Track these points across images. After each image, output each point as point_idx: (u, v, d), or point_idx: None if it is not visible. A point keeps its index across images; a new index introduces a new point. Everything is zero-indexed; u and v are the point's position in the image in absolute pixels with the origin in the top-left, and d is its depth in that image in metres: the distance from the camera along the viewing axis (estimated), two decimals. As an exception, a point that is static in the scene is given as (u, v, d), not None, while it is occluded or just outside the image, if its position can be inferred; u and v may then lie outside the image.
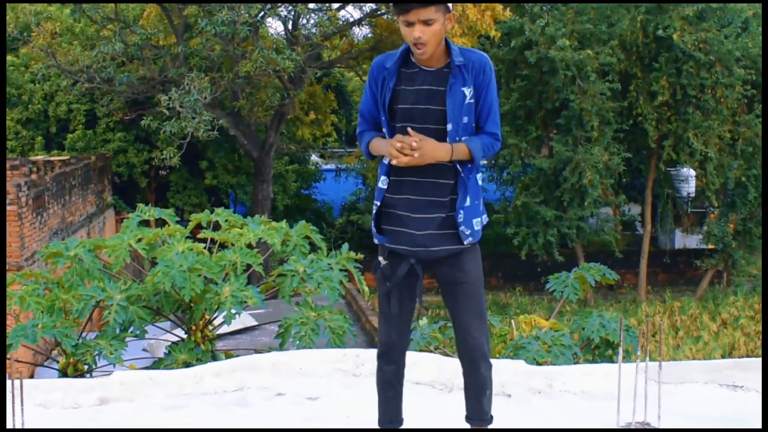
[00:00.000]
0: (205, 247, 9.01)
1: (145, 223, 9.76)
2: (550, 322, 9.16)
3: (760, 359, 5.93)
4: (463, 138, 3.90)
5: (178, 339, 8.91)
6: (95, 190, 27.49)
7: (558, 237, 28.40)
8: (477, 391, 4.13)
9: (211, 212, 9.78)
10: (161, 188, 34.18)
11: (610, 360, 8.19)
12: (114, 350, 7.64)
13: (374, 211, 4.07)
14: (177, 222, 9.62)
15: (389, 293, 4.06)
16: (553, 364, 7.17)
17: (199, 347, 8.35)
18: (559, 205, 28.33)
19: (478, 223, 4.00)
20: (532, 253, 28.83)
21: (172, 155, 25.17)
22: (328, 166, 40.09)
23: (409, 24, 3.68)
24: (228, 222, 9.56)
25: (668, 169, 30.88)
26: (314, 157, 39.55)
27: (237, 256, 8.62)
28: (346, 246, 9.04)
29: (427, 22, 3.67)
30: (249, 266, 8.74)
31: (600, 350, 8.62)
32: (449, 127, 3.84)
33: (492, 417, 4.22)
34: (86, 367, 8.02)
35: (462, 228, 3.93)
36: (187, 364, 7.67)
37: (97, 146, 31.46)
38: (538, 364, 7.44)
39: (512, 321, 9.69)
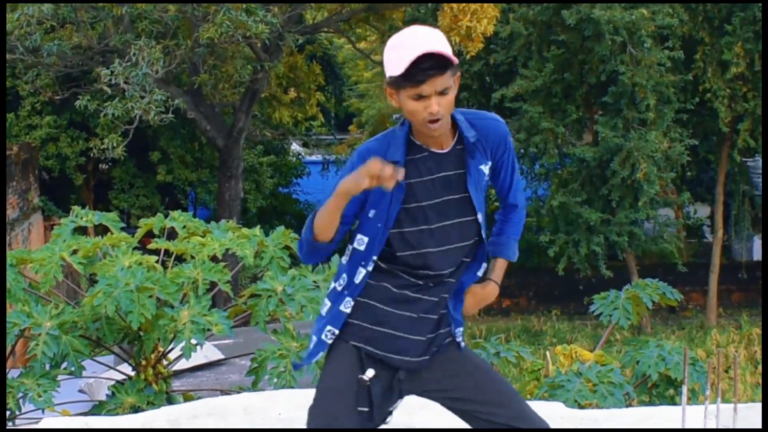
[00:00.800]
0: (157, 261, 9.01)
1: (81, 231, 9.77)
2: (596, 354, 9.18)
3: None
4: (492, 245, 4.01)
5: (124, 377, 8.92)
6: (18, 189, 27.50)
7: (605, 246, 28.40)
8: None
9: (165, 216, 9.78)
10: (102, 186, 34.21)
11: (672, 402, 8.20)
12: (43, 392, 7.65)
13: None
14: (122, 229, 9.62)
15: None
16: (600, 407, 7.18)
17: (151, 387, 8.36)
18: (607, 205, 28.34)
19: None
20: (572, 267, 28.85)
21: (115, 144, 25.17)
22: (313, 158, 39.99)
23: (421, 97, 3.55)
24: (186, 229, 9.56)
25: (744, 159, 30.94)
26: (295, 146, 39.51)
27: (198, 271, 8.62)
28: (336, 259, 8.99)
29: (443, 92, 3.57)
30: (214, 285, 8.75)
31: (659, 389, 8.63)
32: (479, 217, 3.83)
33: None
34: (8, 412, 8.03)
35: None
36: (135, 409, 7.68)
37: (19, 134, 31.48)
38: (581, 407, 7.45)
39: (547, 353, 9.71)
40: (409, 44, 3.54)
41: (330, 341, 3.82)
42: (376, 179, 3.45)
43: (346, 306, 3.79)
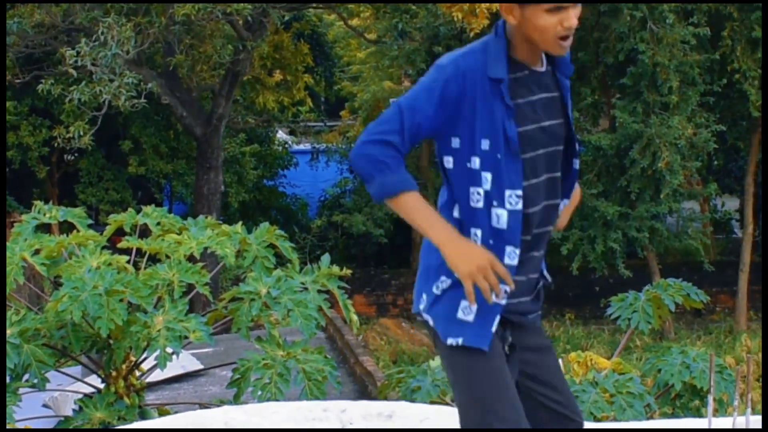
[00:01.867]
0: (129, 261, 9.02)
1: (44, 229, 9.78)
2: (613, 362, 9.20)
3: None
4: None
5: (92, 390, 8.93)
6: (-25, 182, 27.54)
7: (624, 243, 28.44)
8: None
9: (138, 212, 9.78)
10: (67, 179, 34.20)
11: (698, 414, 8.22)
12: (5, 406, 7.66)
13: None
14: (90, 226, 9.62)
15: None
16: (618, 420, 7.20)
17: (122, 401, 8.37)
18: (625, 198, 28.40)
19: None
20: (587, 266, 28.91)
21: (82, 133, 25.16)
22: (301, 147, 39.89)
23: (559, 9, 3.57)
24: (161, 225, 9.56)
25: (778, 147, 31.02)
26: (281, 134, 39.42)
27: (174, 273, 8.62)
28: (327, 258, 8.99)
29: (576, 4, 3.62)
30: (191, 287, 8.75)
31: (683, 400, 8.65)
32: (576, 146, 3.94)
33: None
34: (-36, 430, 8.04)
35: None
36: (104, 425, 7.68)
37: (-24, 122, 31.53)
38: (597, 419, 7.47)
39: (560, 360, 9.73)
40: None
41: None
42: (482, 283, 3.50)
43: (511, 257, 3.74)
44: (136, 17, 25.86)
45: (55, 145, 29.94)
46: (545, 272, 4.05)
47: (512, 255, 3.73)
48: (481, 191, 3.67)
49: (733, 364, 20.97)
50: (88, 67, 23.55)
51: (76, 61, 23.64)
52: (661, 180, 27.37)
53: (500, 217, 3.68)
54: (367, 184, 3.68)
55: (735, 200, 33.90)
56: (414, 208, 3.62)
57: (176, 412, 7.29)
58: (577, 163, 3.94)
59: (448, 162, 3.73)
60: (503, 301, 3.74)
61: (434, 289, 3.79)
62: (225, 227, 9.45)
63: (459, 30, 27.94)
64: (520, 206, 3.67)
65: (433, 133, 3.69)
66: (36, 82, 27.06)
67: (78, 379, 9.49)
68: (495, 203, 3.66)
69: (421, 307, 3.85)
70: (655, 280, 11.89)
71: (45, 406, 13.04)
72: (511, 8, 3.59)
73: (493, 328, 3.75)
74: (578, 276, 29.70)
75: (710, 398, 5.30)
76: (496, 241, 3.70)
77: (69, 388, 9.80)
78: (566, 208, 3.96)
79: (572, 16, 3.57)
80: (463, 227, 3.71)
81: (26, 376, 8.02)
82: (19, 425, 7.89)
